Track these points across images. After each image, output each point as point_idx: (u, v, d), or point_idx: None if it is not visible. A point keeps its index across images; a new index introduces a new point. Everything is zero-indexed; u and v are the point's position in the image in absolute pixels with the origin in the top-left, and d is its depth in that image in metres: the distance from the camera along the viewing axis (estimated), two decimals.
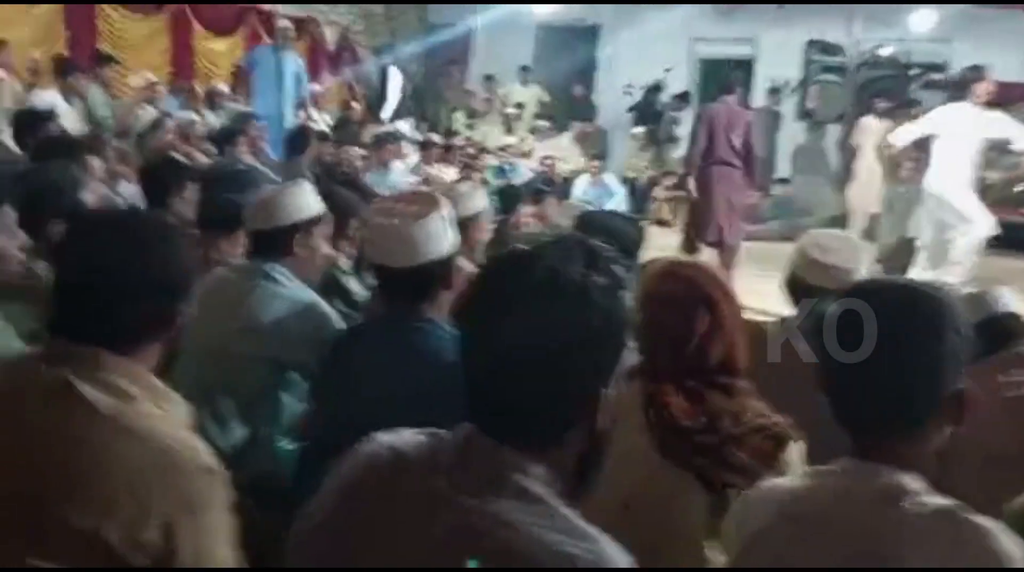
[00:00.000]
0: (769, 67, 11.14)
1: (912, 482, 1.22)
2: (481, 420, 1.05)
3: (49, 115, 4.78)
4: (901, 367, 1.22)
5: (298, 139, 6.28)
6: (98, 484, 1.18)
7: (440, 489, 1.02)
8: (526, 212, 5.50)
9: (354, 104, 9.79)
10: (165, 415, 1.30)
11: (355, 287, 3.22)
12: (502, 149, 10.12)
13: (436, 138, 9.22)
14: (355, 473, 1.11)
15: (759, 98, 10.76)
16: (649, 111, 11.19)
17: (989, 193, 7.40)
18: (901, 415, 1.24)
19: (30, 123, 4.62)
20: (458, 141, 9.87)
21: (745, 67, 11.56)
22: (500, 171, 9.62)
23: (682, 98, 10.93)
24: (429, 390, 1.75)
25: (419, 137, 9.24)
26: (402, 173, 7.33)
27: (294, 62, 8.19)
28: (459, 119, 11.28)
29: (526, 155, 10.14)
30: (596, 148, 10.48)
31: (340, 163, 6.36)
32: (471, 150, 9.38)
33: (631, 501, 1.60)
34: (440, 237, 1.88)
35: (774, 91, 10.87)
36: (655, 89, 11.31)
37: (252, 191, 2.64)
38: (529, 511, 0.99)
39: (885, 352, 1.21)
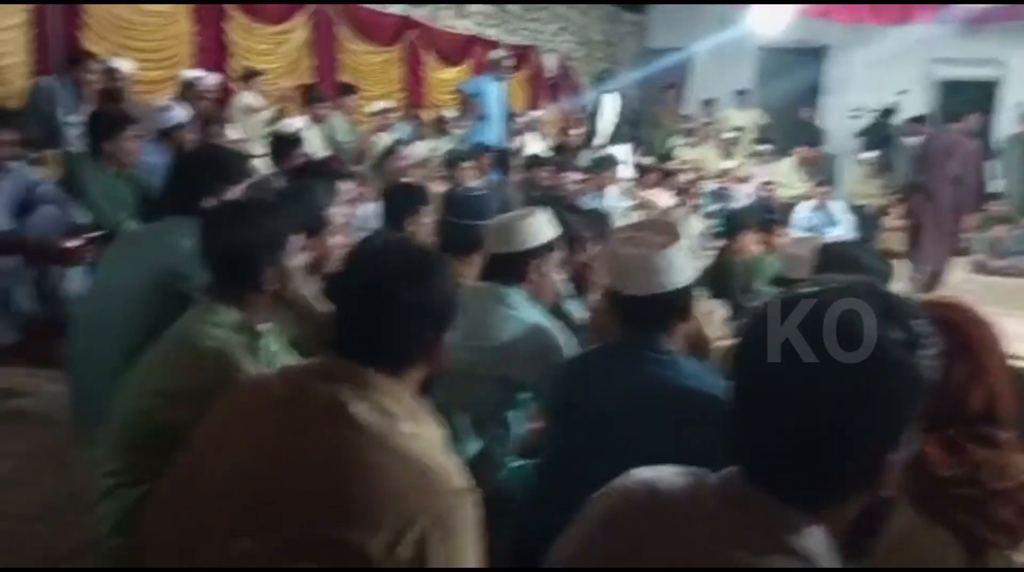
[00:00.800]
0: (1018, 89, 10.29)
1: None
2: (755, 472, 0.99)
3: (299, 140, 5.18)
4: None
5: (500, 163, 6.49)
6: (365, 500, 1.24)
7: (702, 539, 0.99)
8: (749, 238, 5.36)
9: (571, 131, 9.94)
10: (425, 436, 1.35)
11: (575, 310, 3.25)
12: (720, 174, 9.93)
13: (652, 163, 9.19)
14: (613, 509, 1.11)
15: (1005, 124, 9.93)
16: (879, 135, 10.62)
17: None
18: None
19: (284, 147, 5.04)
20: (674, 166, 9.78)
21: (988, 90, 10.78)
22: (717, 196, 9.43)
23: (918, 121, 10.29)
24: (665, 420, 1.75)
25: (635, 162, 9.24)
26: (617, 198, 7.35)
27: (503, 90, 8.47)
28: (675, 143, 11.18)
29: (744, 180, 9.89)
30: (821, 173, 10.03)
31: (556, 188, 6.46)
32: (688, 175, 9.26)
33: (881, 559, 1.50)
34: (682, 267, 1.88)
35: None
36: (887, 112, 10.72)
37: (489, 215, 2.73)
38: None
39: None
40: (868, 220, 9.58)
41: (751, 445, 0.99)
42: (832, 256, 2.16)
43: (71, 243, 3.97)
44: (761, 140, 10.93)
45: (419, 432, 1.35)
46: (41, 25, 6.17)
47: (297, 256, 2.10)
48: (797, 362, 0.93)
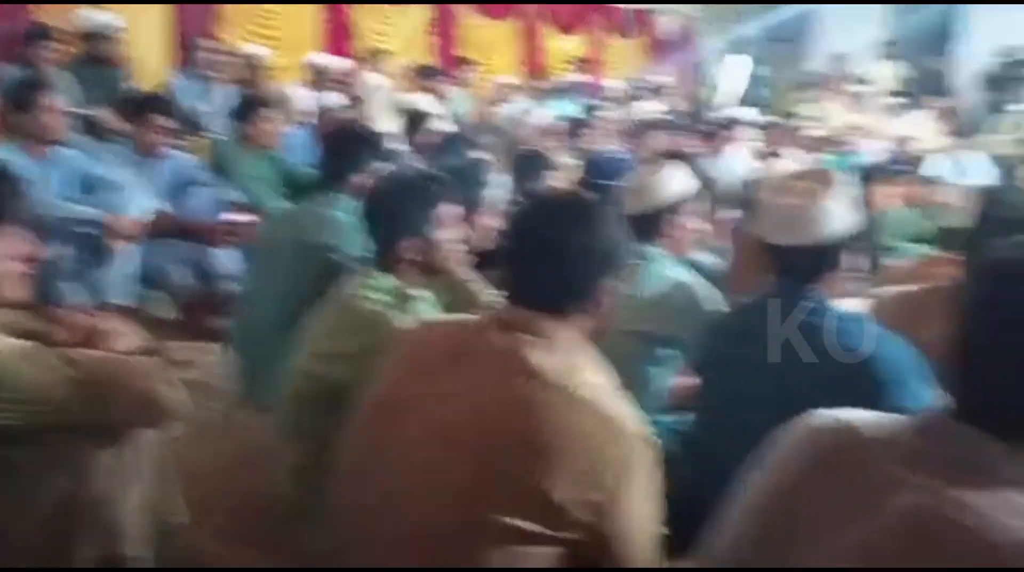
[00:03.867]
0: None
1: None
2: (965, 405, 1.03)
3: (429, 116, 5.32)
4: None
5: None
6: (548, 446, 1.29)
7: (899, 469, 1.01)
8: (882, 191, 5.23)
9: (692, 93, 9.78)
10: (604, 384, 1.39)
11: (708, 262, 3.25)
12: (850, 129, 9.57)
13: (778, 121, 8.94)
14: (802, 446, 1.13)
15: None
16: (1008, 83, 10.01)
17: None
18: None
19: (415, 124, 5.19)
20: (801, 123, 9.48)
21: None
22: (847, 152, 9.11)
23: None
24: (826, 370, 1.74)
25: (760, 121, 9.01)
26: (740, 159, 7.21)
27: None
28: (802, 100, 10.83)
29: (875, 134, 9.52)
30: (956, 125, 9.56)
31: (674, 151, 6.38)
32: (816, 132, 8.97)
33: None
34: (837, 217, 1.86)
35: None
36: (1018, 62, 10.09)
37: (622, 176, 2.75)
38: (996, 496, 0.96)
39: None
40: (1010, 172, 9.07)
41: (980, 385, 1.02)
42: (992, 201, 2.08)
43: (225, 223, 4.20)
44: (896, 93, 10.47)
45: (595, 380, 1.38)
46: (178, 18, 6.53)
47: (447, 230, 2.17)
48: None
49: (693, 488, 1.48)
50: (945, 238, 2.69)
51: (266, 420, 2.40)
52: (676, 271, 2.45)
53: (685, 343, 2.33)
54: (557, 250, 1.42)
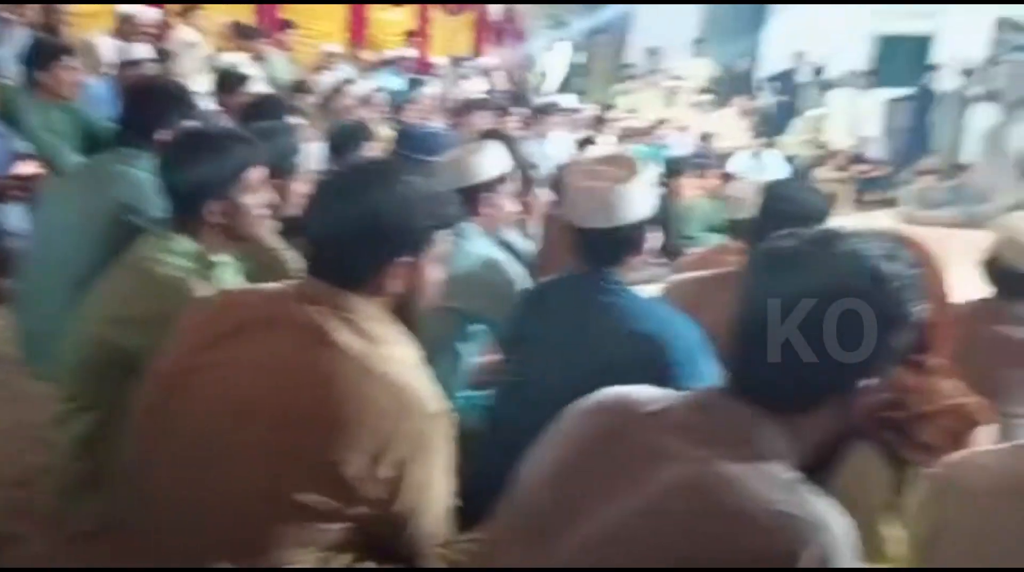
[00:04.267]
0: (952, 45, 10.52)
1: None
2: (738, 382, 1.10)
3: (245, 77, 5.11)
4: None
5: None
6: (344, 421, 1.28)
7: (671, 442, 1.07)
8: (687, 183, 5.54)
9: (518, 77, 9.90)
10: (402, 358, 1.39)
11: (519, 242, 3.32)
12: (660, 122, 10.01)
13: (594, 110, 9.22)
14: (584, 421, 1.18)
15: (940, 79, 10.15)
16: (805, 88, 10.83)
17: None
18: None
19: (230, 84, 4.96)
20: (616, 114, 9.82)
21: (925, 44, 11.00)
22: (660, 146, 9.53)
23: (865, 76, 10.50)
24: (621, 350, 1.82)
25: (579, 109, 9.26)
26: (559, 144, 7.38)
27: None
28: (617, 92, 11.21)
29: (685, 129, 10.01)
30: (759, 125, 10.23)
31: (498, 131, 6.46)
32: (631, 123, 9.33)
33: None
34: (641, 201, 1.94)
35: (960, 72, 10.22)
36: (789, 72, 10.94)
37: (441, 151, 2.76)
38: (756, 469, 1.03)
39: None
40: (802, 172, 9.82)
41: (749, 361, 1.09)
42: (773, 195, 2.24)
43: (13, 177, 3.88)
44: (703, 90, 11.03)
45: (396, 354, 1.38)
46: None
47: (254, 194, 2.07)
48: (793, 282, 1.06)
49: (493, 463, 1.49)
50: (735, 229, 2.90)
51: (50, 388, 2.25)
52: (487, 248, 2.48)
53: (493, 320, 2.37)
54: (355, 224, 1.39)
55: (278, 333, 1.37)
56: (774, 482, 1.02)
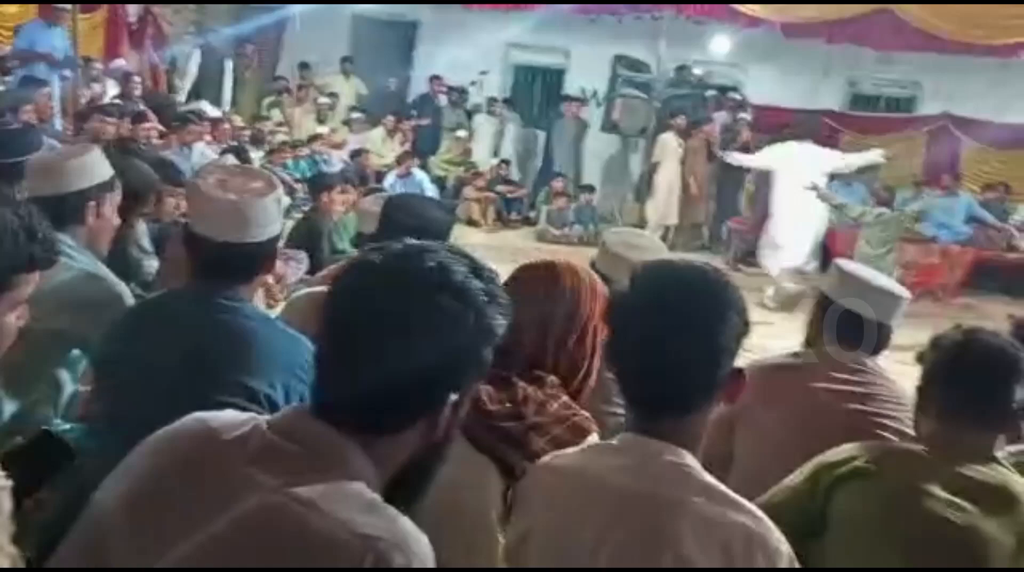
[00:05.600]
0: (579, 78, 11.51)
1: (689, 459, 1.29)
2: (322, 403, 1.06)
3: None
4: (686, 348, 1.26)
5: None
6: None
7: (250, 469, 1.01)
8: (334, 199, 5.57)
9: (158, 83, 9.28)
10: None
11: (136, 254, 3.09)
12: (312, 138, 9.93)
13: (239, 121, 8.92)
14: (163, 448, 1.09)
15: (570, 108, 11.05)
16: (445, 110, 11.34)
17: None
18: (682, 395, 1.30)
19: None
20: (267, 126, 9.59)
21: (557, 76, 11.94)
22: (312, 161, 9.45)
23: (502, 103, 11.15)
24: (236, 369, 1.71)
25: (224, 119, 8.90)
26: (203, 155, 7.05)
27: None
28: (268, 106, 10.95)
29: (338, 146, 10.03)
30: (408, 144, 10.53)
31: (136, 139, 6.05)
32: (280, 136, 9.16)
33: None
34: (275, 217, 1.85)
35: (580, 101, 11.21)
36: (461, 92, 11.48)
37: (32, 152, 2.46)
38: (340, 491, 0.99)
39: (671, 332, 1.26)
40: (450, 192, 10.26)
41: (335, 381, 1.06)
42: (395, 208, 2.25)
43: None
44: (355, 108, 11.10)
45: None
46: None
47: None
48: (382, 295, 1.04)
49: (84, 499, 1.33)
50: (360, 243, 2.89)
51: None
52: (85, 262, 2.24)
53: (93, 343, 2.14)
54: None
55: None
56: (357, 504, 0.99)
